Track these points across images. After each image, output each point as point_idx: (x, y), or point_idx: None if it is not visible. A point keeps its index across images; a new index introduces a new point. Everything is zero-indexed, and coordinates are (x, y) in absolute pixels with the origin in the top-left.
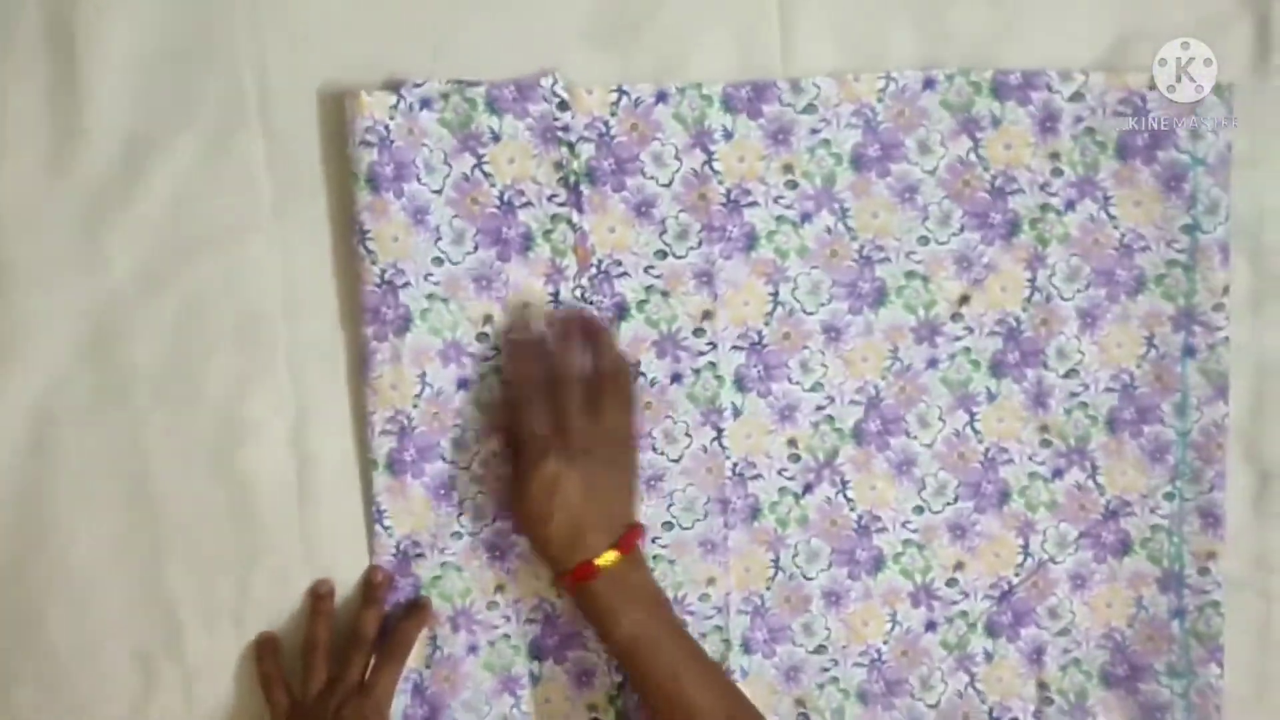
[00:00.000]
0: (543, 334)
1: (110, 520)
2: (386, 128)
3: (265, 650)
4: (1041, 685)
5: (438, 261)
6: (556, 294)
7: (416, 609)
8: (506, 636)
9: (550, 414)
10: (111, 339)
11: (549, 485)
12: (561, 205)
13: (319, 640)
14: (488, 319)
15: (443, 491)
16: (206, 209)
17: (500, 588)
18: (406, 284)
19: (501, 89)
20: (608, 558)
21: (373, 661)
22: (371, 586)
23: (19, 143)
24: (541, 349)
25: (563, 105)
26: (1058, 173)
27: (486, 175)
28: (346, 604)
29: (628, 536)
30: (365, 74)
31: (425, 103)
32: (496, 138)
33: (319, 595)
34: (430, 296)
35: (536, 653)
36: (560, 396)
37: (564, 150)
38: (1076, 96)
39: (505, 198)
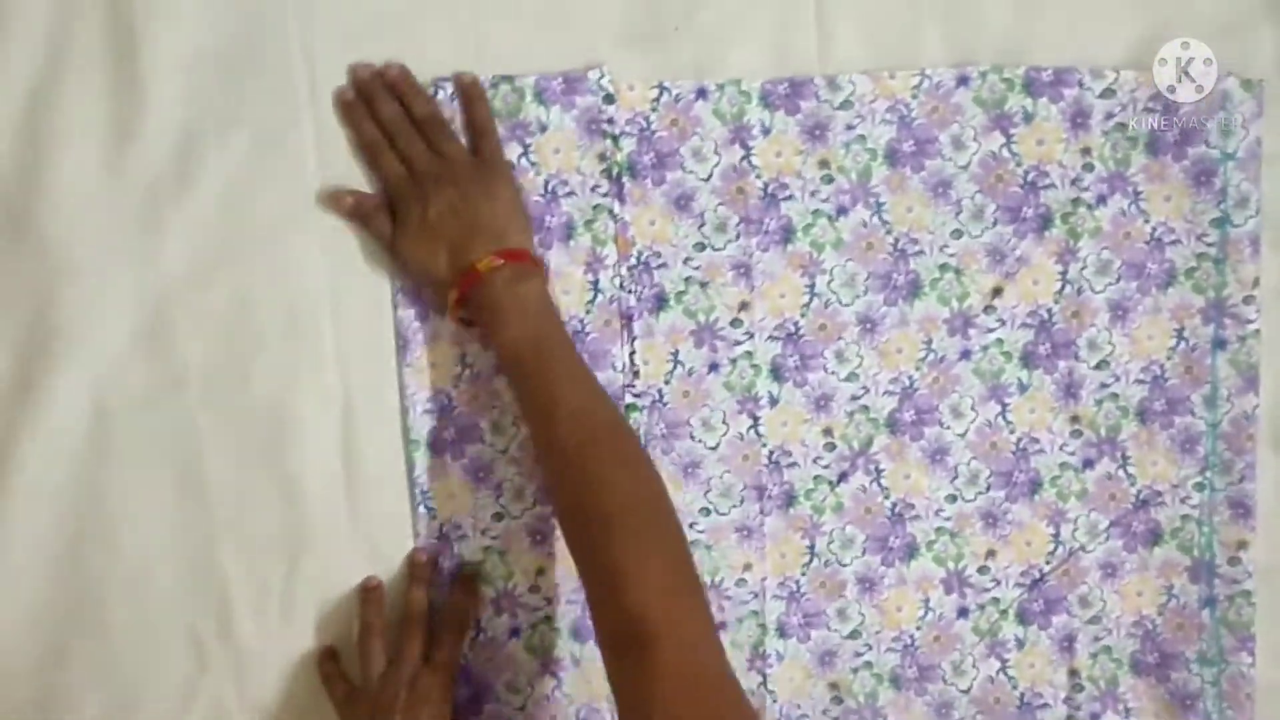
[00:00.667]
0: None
1: (164, 506)
2: None
3: (324, 655)
4: (1072, 672)
5: None
6: (596, 282)
7: (467, 582)
8: (548, 619)
9: (396, 161)
10: (166, 330)
11: (419, 219)
12: (604, 196)
13: (373, 626)
14: None
15: (482, 474)
16: (257, 204)
17: (541, 571)
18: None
19: (550, 81)
20: (489, 262)
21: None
22: (416, 566)
23: (79, 139)
24: (369, 107)
25: (609, 99)
26: (1089, 168)
27: (532, 164)
28: (396, 587)
29: (513, 251)
30: (414, 69)
31: None
32: (543, 128)
33: (367, 588)
34: None
35: (577, 635)
36: (401, 145)
37: (608, 143)
38: (1107, 93)
39: (549, 186)
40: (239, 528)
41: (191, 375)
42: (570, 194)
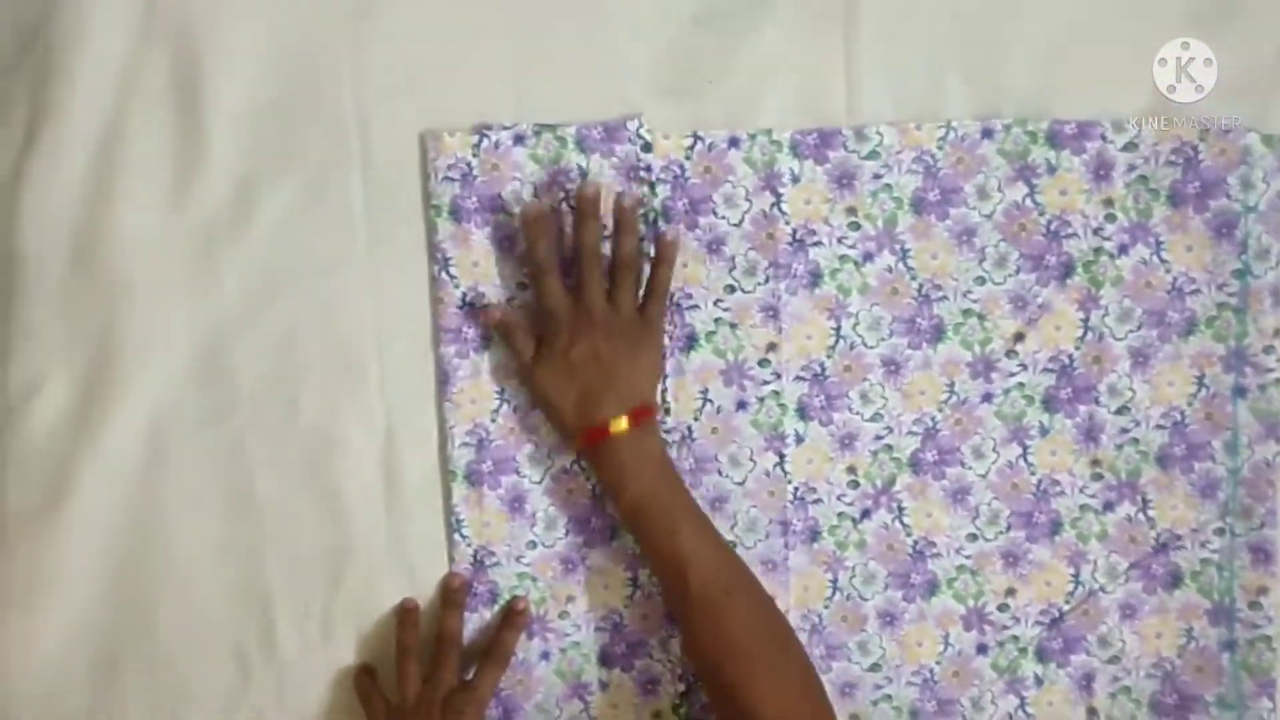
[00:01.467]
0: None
1: (214, 524)
2: (469, 164)
3: (361, 672)
4: (1091, 711)
5: (522, 286)
6: None
7: (514, 615)
8: (577, 644)
9: (567, 290)
10: (220, 359)
11: (564, 357)
12: (641, 240)
13: (409, 646)
14: None
15: (517, 504)
16: (308, 243)
17: (571, 598)
18: (486, 305)
19: (590, 130)
20: (619, 424)
21: (475, 665)
22: (450, 590)
23: (144, 178)
24: (559, 223)
25: (646, 147)
26: (1111, 218)
27: (573, 209)
28: (432, 610)
29: (640, 409)
30: (457, 118)
31: (519, 139)
32: (584, 174)
33: (405, 609)
34: None
35: (605, 660)
36: (579, 273)
37: (645, 190)
38: (1130, 146)
39: None
40: (284, 546)
41: (242, 401)
42: (608, 237)
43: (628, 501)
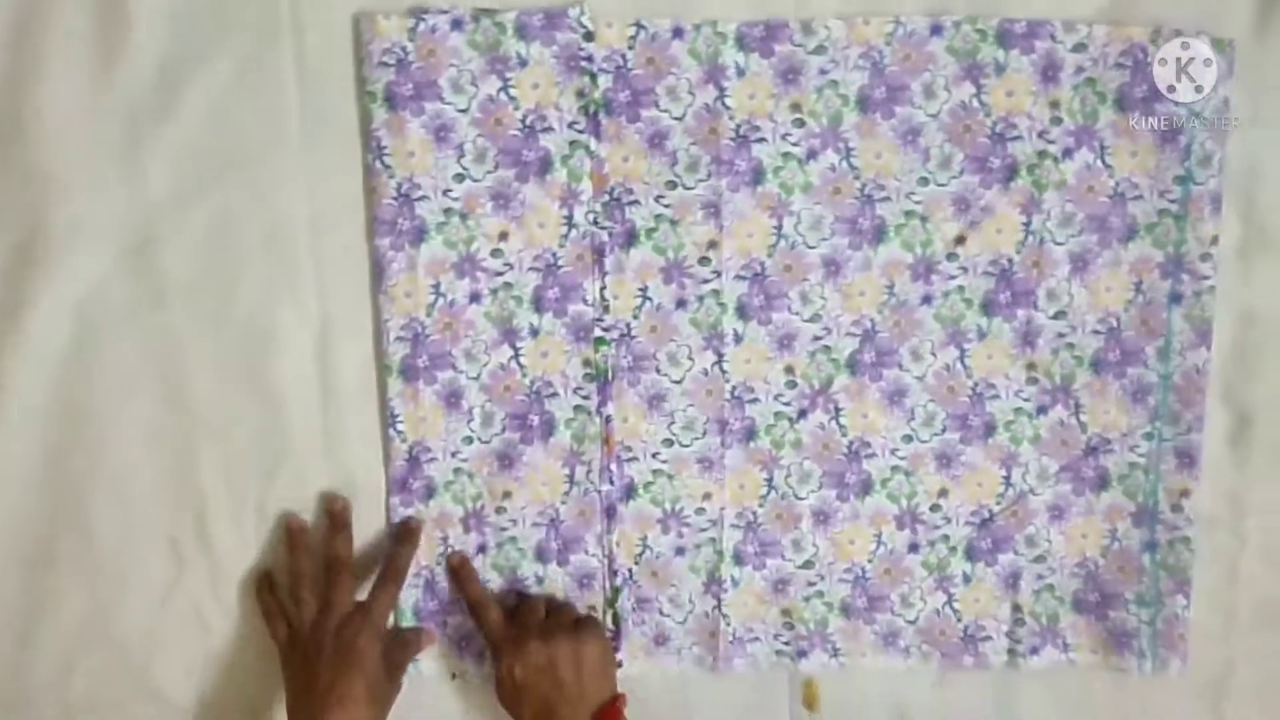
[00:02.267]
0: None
1: (147, 416)
2: (404, 49)
3: (263, 586)
4: (1015, 608)
5: (459, 178)
6: (570, 217)
7: (407, 531)
8: (513, 539)
9: (506, 622)
10: (148, 248)
11: (512, 679)
12: (580, 132)
13: (303, 571)
14: (503, 235)
15: (454, 399)
16: (239, 127)
17: (508, 494)
18: (423, 197)
19: (531, 16)
20: None
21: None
22: (334, 514)
23: (66, 61)
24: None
25: (588, 36)
26: (1057, 121)
27: (511, 98)
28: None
29: (608, 710)
30: (394, 1)
31: (457, 24)
32: (524, 63)
33: (292, 530)
34: (448, 211)
35: (541, 555)
36: (521, 612)
37: (586, 79)
38: (1079, 47)
39: (528, 121)
40: (218, 439)
41: (175, 291)
42: (548, 129)
43: None
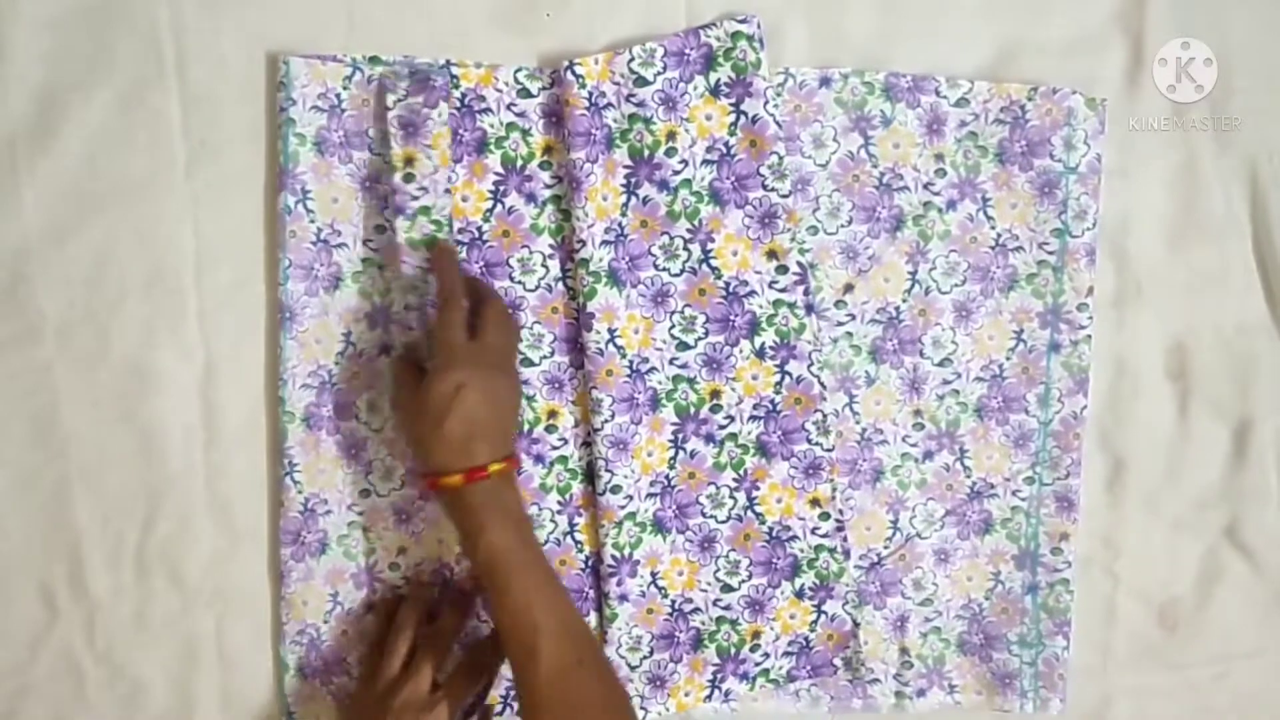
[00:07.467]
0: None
1: (17, 458)
2: (339, 96)
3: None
4: (903, 650)
5: (380, 229)
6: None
7: (459, 602)
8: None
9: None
10: (22, 283)
11: (454, 388)
12: (549, 187)
13: (405, 622)
14: (413, 290)
15: (354, 450)
16: (119, 163)
17: (403, 550)
18: (342, 244)
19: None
20: (496, 467)
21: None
22: (465, 594)
23: None
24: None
25: (524, 93)
26: (941, 173)
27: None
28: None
29: (511, 458)
30: (283, 36)
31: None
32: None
33: (419, 584)
34: (365, 261)
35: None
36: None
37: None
38: (962, 102)
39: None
40: (93, 482)
41: (48, 329)
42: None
43: (485, 549)
